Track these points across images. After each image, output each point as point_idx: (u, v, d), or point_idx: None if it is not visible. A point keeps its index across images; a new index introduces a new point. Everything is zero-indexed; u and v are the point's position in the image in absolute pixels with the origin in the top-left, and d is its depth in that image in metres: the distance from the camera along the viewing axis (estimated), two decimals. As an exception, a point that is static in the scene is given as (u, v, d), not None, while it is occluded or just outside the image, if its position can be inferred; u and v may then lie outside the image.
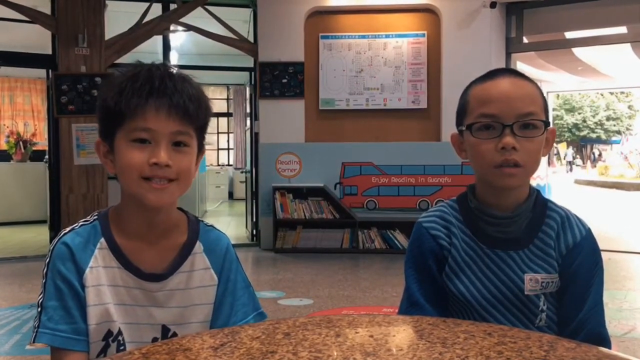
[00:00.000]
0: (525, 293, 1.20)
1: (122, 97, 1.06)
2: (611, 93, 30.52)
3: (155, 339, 1.13)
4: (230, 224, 9.20)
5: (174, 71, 1.12)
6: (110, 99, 1.08)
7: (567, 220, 1.25)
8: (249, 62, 7.32)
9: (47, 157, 7.58)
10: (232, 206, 12.43)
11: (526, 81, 1.23)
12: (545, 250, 1.22)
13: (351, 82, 6.72)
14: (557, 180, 16.82)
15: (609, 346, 1.19)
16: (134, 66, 1.11)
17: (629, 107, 33.05)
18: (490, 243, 1.23)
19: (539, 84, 1.24)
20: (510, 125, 1.16)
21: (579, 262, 1.21)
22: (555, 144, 18.08)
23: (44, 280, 1.10)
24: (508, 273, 1.22)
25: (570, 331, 1.19)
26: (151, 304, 1.13)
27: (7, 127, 10.81)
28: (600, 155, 34.68)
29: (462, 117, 1.25)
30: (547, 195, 1.29)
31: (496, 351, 0.82)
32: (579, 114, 32.90)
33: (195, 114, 1.09)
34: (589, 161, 32.78)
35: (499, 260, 1.22)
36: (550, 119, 1.17)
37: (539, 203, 1.26)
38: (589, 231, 1.25)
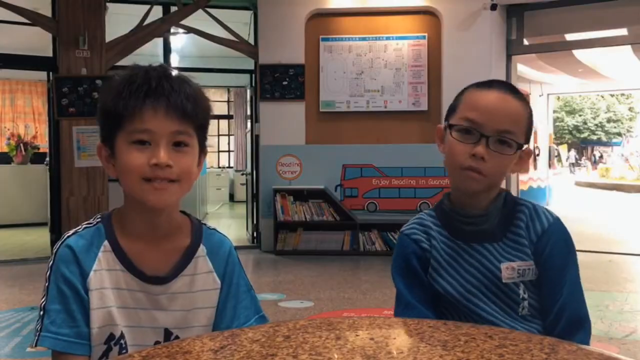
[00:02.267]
0: (504, 281, 1.25)
1: (120, 100, 1.06)
2: (612, 95, 30.44)
3: (157, 343, 1.13)
4: (230, 226, 9.20)
5: (172, 72, 1.12)
6: (108, 102, 1.08)
7: (534, 211, 1.31)
8: (249, 64, 7.33)
9: (47, 159, 7.59)
10: (233, 208, 12.43)
11: (517, 100, 1.27)
12: (518, 240, 1.28)
13: (352, 84, 6.72)
14: (558, 181, 16.80)
15: (588, 325, 1.25)
16: (131, 68, 1.11)
17: (630, 109, 32.97)
18: (467, 238, 1.30)
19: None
20: (487, 137, 1.22)
21: (550, 247, 1.27)
22: (556, 146, 18.10)
23: (46, 284, 1.09)
24: (485, 263, 1.27)
25: (552, 318, 1.24)
26: (154, 307, 1.13)
27: (8, 129, 10.83)
28: (601, 157, 34.63)
29: (451, 114, 1.31)
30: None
31: (497, 354, 0.82)
32: (580, 115, 32.81)
33: (193, 113, 1.09)
34: (589, 163, 32.72)
35: (476, 252, 1.29)
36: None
37: (509, 201, 1.32)
38: (557, 219, 1.31)
